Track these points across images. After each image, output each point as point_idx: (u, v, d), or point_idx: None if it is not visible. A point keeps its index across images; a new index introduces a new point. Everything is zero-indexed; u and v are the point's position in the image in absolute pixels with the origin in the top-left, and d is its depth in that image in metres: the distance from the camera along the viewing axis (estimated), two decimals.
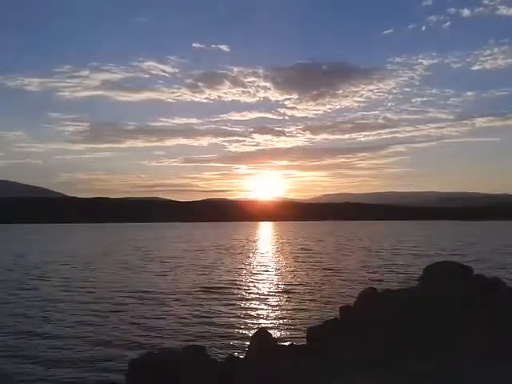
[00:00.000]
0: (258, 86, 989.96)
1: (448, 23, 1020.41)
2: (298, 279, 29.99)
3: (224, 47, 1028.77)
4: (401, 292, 11.05)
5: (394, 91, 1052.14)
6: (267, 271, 35.30)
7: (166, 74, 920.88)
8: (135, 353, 12.28)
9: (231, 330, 16.72)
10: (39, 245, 73.08)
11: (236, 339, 15.44)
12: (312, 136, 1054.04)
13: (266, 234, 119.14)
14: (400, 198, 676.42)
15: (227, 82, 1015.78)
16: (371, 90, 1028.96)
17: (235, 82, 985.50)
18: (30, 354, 14.19)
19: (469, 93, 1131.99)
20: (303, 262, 42.02)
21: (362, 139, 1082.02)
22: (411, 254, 49.20)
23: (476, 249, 55.30)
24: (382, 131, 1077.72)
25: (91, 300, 23.05)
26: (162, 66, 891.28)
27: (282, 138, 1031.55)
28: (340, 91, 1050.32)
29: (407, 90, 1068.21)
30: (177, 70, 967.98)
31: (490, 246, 61.14)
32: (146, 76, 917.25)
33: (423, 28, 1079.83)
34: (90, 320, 18.60)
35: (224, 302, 22.42)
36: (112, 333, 16.52)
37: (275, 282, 29.19)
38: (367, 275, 31.10)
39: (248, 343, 10.98)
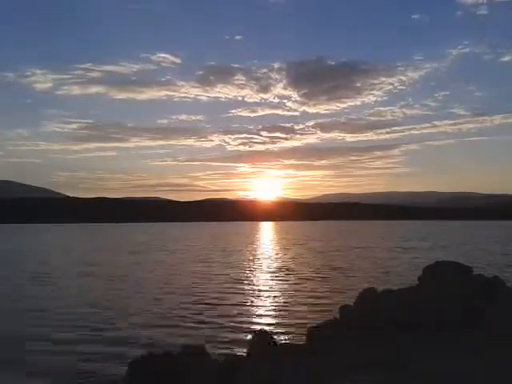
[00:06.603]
0: (271, 78, 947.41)
1: (484, 6, 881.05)
2: (298, 279, 29.98)
3: (238, 38, 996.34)
4: (401, 292, 11.05)
5: (417, 85, 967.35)
6: (266, 271, 35.29)
7: (175, 67, 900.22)
8: (135, 352, 12.25)
9: (231, 330, 16.70)
10: None
11: (236, 339, 15.42)
12: (322, 134, 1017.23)
13: (262, 234, 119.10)
14: (402, 197, 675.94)
15: (238, 76, 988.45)
16: (392, 84, 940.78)
17: (247, 76, 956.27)
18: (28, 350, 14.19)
19: (493, 87, 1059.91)
20: (302, 261, 42.01)
21: (376, 137, 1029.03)
22: (411, 253, 49.19)
23: (476, 249, 55.29)
24: (398, 128, 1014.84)
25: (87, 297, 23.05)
26: (172, 58, 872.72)
27: (291, 135, 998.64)
28: (358, 84, 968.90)
29: (432, 83, 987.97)
30: (186, 63, 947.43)
31: (489, 246, 61.13)
32: (154, 69, 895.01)
33: (457, 13, 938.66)
34: (88, 319, 18.59)
35: (223, 301, 22.42)
36: (111, 332, 16.51)
37: (275, 282, 29.18)
38: (367, 275, 31.08)
39: (248, 343, 10.98)
